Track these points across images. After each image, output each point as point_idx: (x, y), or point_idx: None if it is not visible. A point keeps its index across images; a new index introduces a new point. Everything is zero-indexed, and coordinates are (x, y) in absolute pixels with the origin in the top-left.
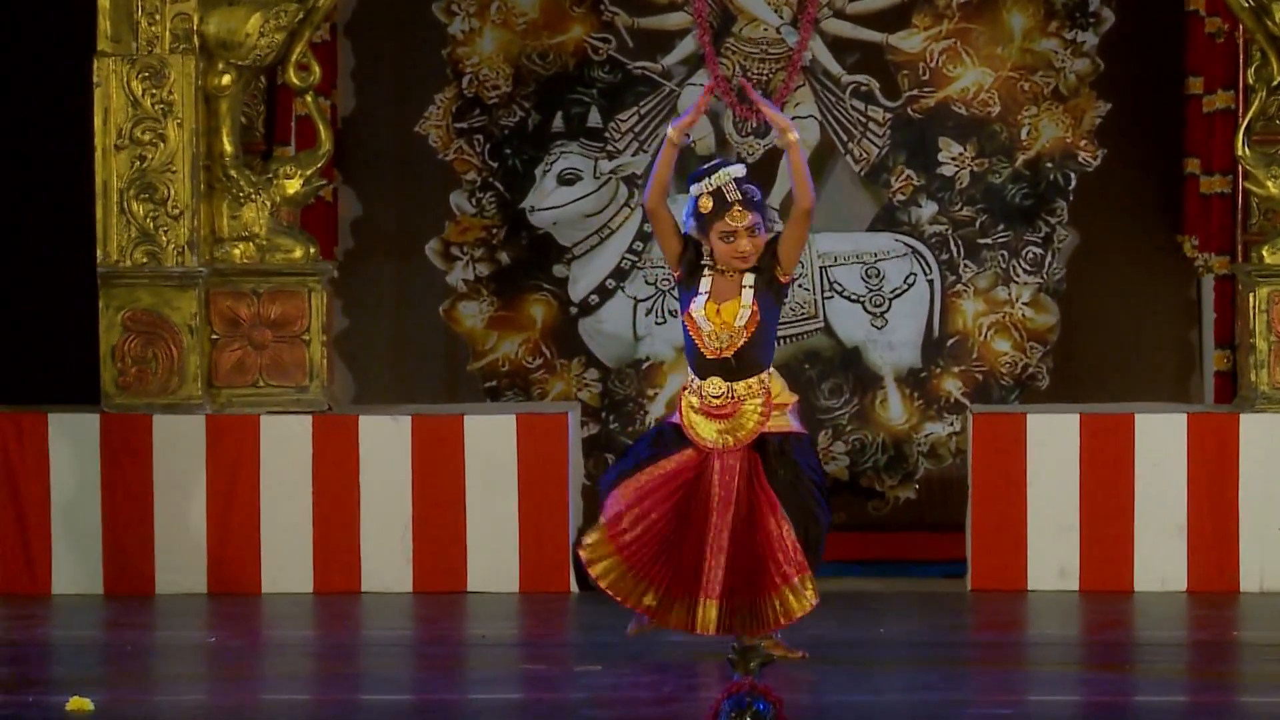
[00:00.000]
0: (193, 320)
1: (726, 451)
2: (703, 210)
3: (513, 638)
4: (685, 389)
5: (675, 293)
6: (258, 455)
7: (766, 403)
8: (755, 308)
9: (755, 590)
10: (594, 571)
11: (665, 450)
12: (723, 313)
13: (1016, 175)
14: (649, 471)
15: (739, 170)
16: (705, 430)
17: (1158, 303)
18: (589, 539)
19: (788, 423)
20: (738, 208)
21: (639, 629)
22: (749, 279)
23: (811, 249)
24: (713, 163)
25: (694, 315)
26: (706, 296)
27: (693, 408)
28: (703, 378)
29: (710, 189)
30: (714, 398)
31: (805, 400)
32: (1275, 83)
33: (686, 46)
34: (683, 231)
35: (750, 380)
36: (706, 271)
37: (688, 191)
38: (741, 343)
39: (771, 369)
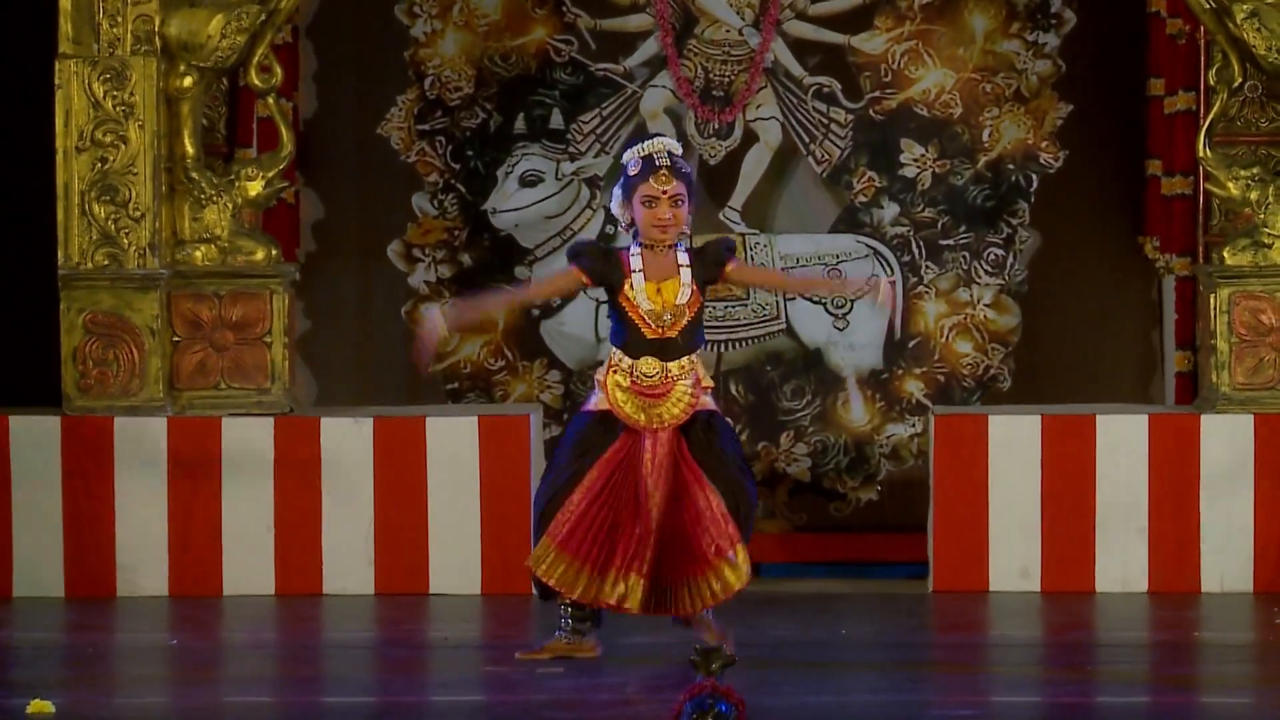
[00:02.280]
0: (154, 322)
1: (657, 431)
2: (630, 174)
3: (475, 640)
4: (611, 369)
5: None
6: (219, 457)
7: (696, 384)
8: (694, 286)
9: (689, 567)
10: (540, 570)
11: (591, 454)
12: (664, 292)
13: (978, 177)
14: (584, 484)
15: (674, 145)
16: (633, 409)
17: (1119, 304)
18: (538, 551)
19: (709, 402)
20: (664, 172)
21: (529, 656)
22: (683, 258)
23: (773, 250)
24: (652, 134)
25: (631, 295)
26: (642, 275)
27: (620, 387)
28: (635, 357)
29: (641, 154)
30: (647, 377)
31: (767, 402)
32: (1236, 84)
33: (649, 48)
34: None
35: (683, 360)
36: (634, 249)
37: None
38: (684, 322)
39: (700, 353)
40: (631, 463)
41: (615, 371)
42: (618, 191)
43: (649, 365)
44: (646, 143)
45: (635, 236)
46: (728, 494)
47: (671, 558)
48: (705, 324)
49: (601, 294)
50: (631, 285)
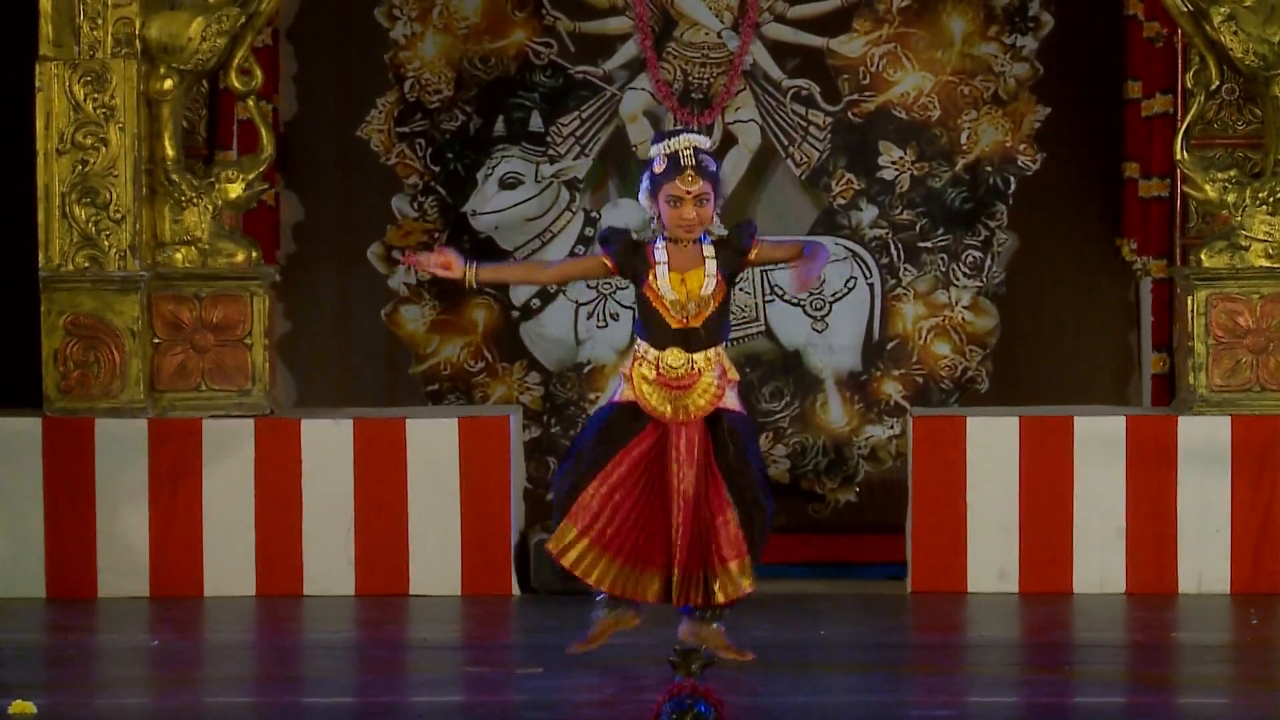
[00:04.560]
0: (135, 324)
1: (685, 424)
2: (656, 171)
3: (454, 640)
4: (636, 361)
5: (617, 287)
6: (200, 459)
7: (723, 376)
8: (719, 277)
9: (706, 564)
10: (568, 561)
11: (616, 443)
12: (688, 282)
13: (956, 179)
14: (607, 472)
15: (701, 140)
16: (659, 401)
17: (1096, 306)
18: (560, 536)
19: (735, 401)
20: (690, 173)
21: (583, 647)
22: (709, 249)
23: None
24: (678, 128)
25: (656, 285)
26: (666, 266)
27: (646, 379)
28: (661, 349)
29: (668, 150)
30: (674, 369)
31: (747, 403)
32: (1214, 87)
33: (628, 51)
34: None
35: (709, 352)
36: (659, 243)
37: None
38: (709, 312)
39: (725, 346)
40: (660, 458)
41: (640, 363)
42: (645, 184)
43: (674, 356)
44: (672, 140)
45: (661, 230)
46: (744, 512)
47: (696, 552)
48: None
49: (582, 295)
50: (656, 276)
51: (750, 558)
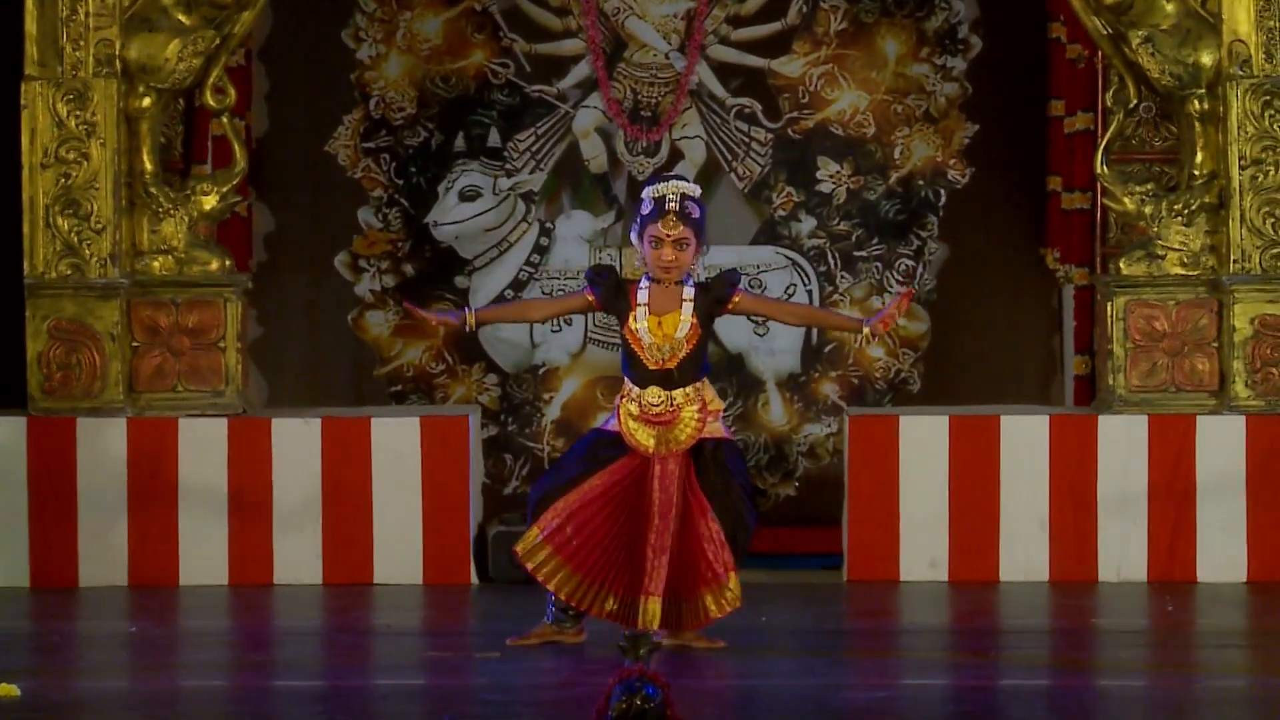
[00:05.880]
0: (114, 329)
1: (666, 456)
2: (643, 212)
3: (416, 627)
4: (623, 398)
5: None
6: (176, 456)
7: (703, 410)
8: (695, 320)
9: (689, 589)
10: (530, 565)
11: (598, 464)
12: (664, 325)
13: (890, 192)
14: (583, 488)
15: (690, 188)
16: (644, 437)
17: (1022, 311)
18: (525, 540)
19: (719, 429)
20: (672, 217)
21: (518, 642)
22: (689, 292)
23: (698, 262)
24: (671, 174)
25: (635, 328)
26: (646, 309)
27: (632, 415)
28: (642, 387)
29: (656, 195)
30: (654, 406)
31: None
32: (1132, 105)
33: (581, 71)
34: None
35: (688, 389)
36: (644, 283)
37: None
38: (684, 354)
39: (706, 380)
40: (638, 484)
41: (627, 400)
42: (635, 224)
43: (654, 395)
44: (663, 184)
45: (647, 270)
46: (728, 524)
47: (676, 581)
48: None
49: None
50: (635, 318)
51: (735, 570)
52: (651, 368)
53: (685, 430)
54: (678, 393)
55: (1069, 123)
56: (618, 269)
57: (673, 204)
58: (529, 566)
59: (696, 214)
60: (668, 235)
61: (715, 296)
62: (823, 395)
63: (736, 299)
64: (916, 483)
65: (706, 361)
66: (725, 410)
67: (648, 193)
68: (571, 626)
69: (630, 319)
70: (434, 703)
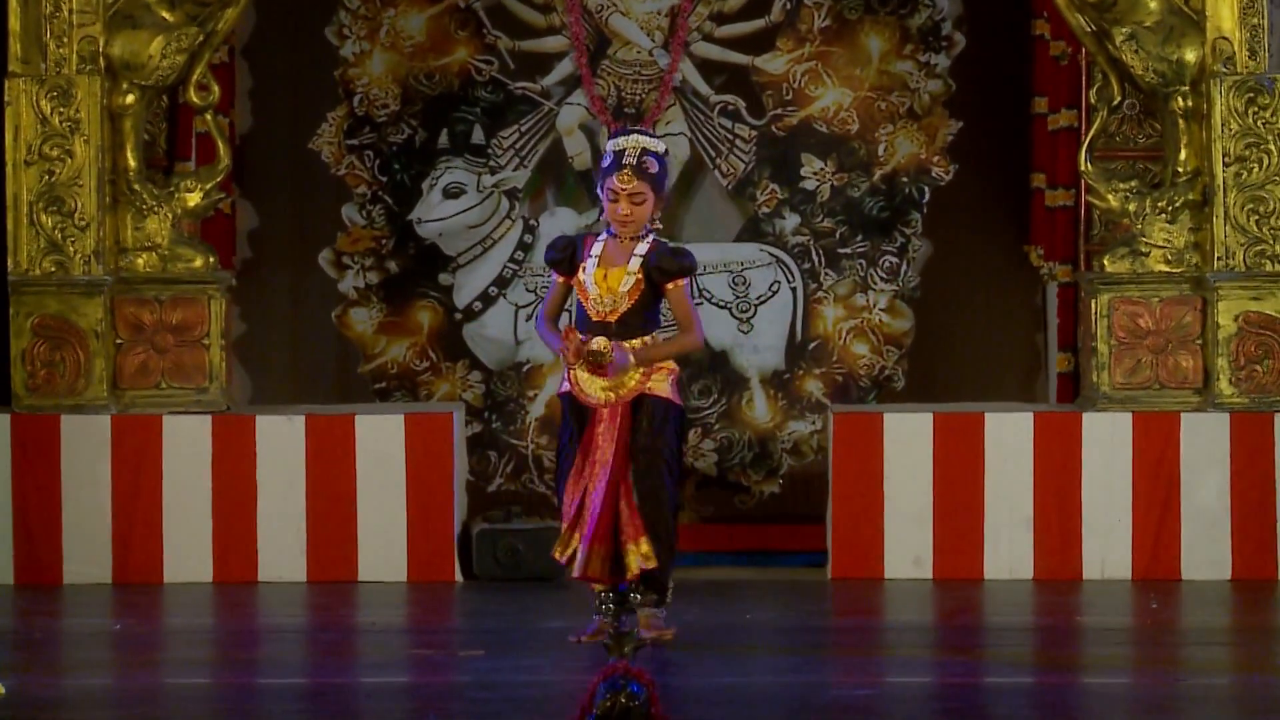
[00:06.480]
0: (98, 326)
1: (612, 405)
2: (604, 165)
3: (401, 624)
4: None
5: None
6: (160, 453)
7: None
8: (640, 276)
9: (621, 540)
10: (565, 559)
11: (577, 436)
12: (609, 278)
13: (874, 189)
14: (577, 466)
15: (651, 143)
16: (590, 386)
17: (1005, 309)
18: (560, 541)
19: (666, 389)
20: (628, 171)
21: (584, 638)
22: (642, 249)
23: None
24: (636, 128)
25: (581, 279)
26: (596, 260)
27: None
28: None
29: (616, 149)
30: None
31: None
32: (1115, 102)
33: (564, 68)
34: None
35: (634, 341)
36: (604, 235)
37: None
38: (625, 308)
39: (656, 334)
40: (590, 434)
41: None
42: (599, 177)
43: (598, 344)
44: (623, 138)
45: (608, 224)
46: (640, 495)
47: (608, 524)
48: None
49: (521, 298)
50: (585, 269)
51: (649, 538)
52: (594, 319)
53: (629, 381)
54: (624, 344)
55: (1053, 120)
56: (573, 233)
57: (630, 159)
58: (563, 561)
59: (655, 169)
60: (623, 189)
61: (663, 265)
62: (807, 392)
63: (670, 287)
64: (901, 480)
65: (657, 317)
66: (708, 408)
67: (610, 145)
68: (611, 620)
69: (580, 269)
70: (418, 700)
